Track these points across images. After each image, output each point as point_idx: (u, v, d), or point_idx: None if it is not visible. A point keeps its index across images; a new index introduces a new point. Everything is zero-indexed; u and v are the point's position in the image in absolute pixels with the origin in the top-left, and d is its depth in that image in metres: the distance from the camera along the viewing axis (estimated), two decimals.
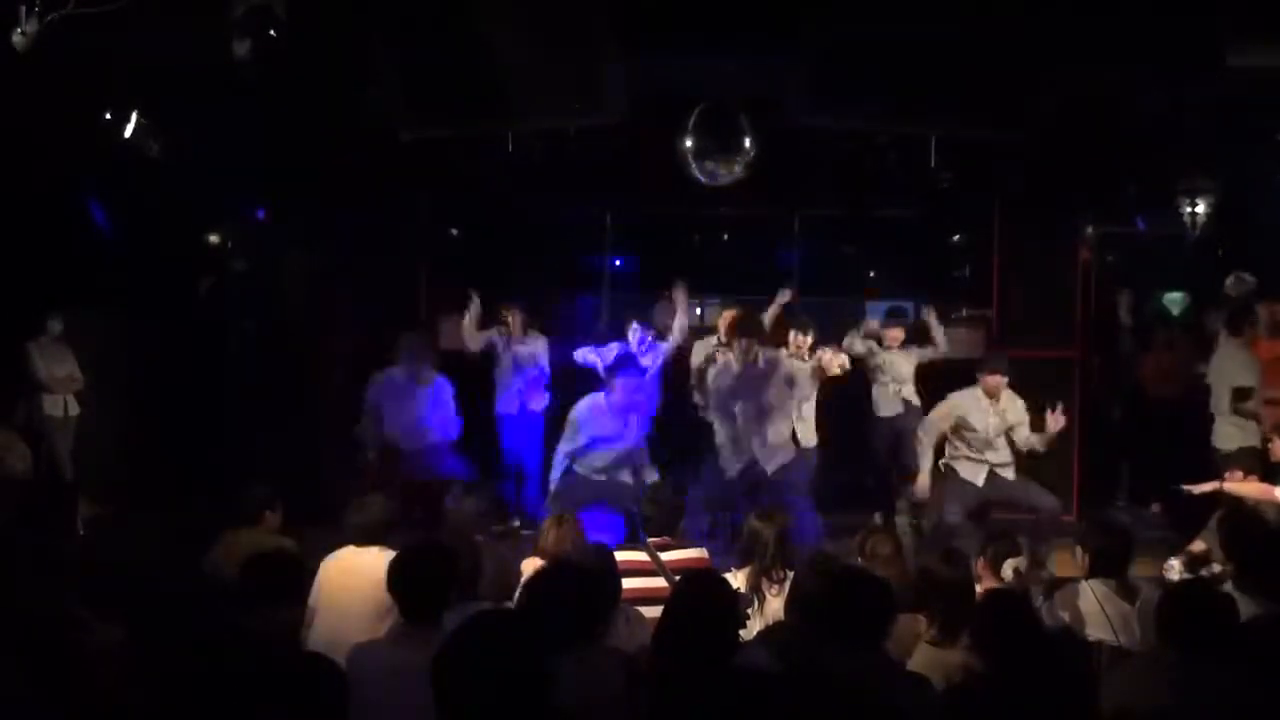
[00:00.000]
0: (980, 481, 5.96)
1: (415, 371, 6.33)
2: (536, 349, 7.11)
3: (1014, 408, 5.96)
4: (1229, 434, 6.20)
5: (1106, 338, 8.14)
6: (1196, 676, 2.82)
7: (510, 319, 7.09)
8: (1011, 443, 5.98)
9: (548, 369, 7.14)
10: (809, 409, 6.42)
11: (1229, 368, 6.29)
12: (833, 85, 5.57)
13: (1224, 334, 6.47)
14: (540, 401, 7.13)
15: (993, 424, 5.92)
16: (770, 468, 5.64)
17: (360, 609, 3.73)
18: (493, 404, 7.21)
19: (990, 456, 5.98)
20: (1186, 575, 4.75)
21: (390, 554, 3.73)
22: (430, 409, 6.35)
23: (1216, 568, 4.52)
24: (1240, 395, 6.09)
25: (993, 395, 5.91)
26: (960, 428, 5.97)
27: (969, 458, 6.02)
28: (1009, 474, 6.03)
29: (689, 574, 3.59)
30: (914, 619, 3.40)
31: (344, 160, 6.93)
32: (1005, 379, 5.90)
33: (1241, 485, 4.72)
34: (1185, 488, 4.81)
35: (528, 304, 7.26)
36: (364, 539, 4.00)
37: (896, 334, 7.22)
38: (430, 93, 5.61)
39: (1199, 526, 5.07)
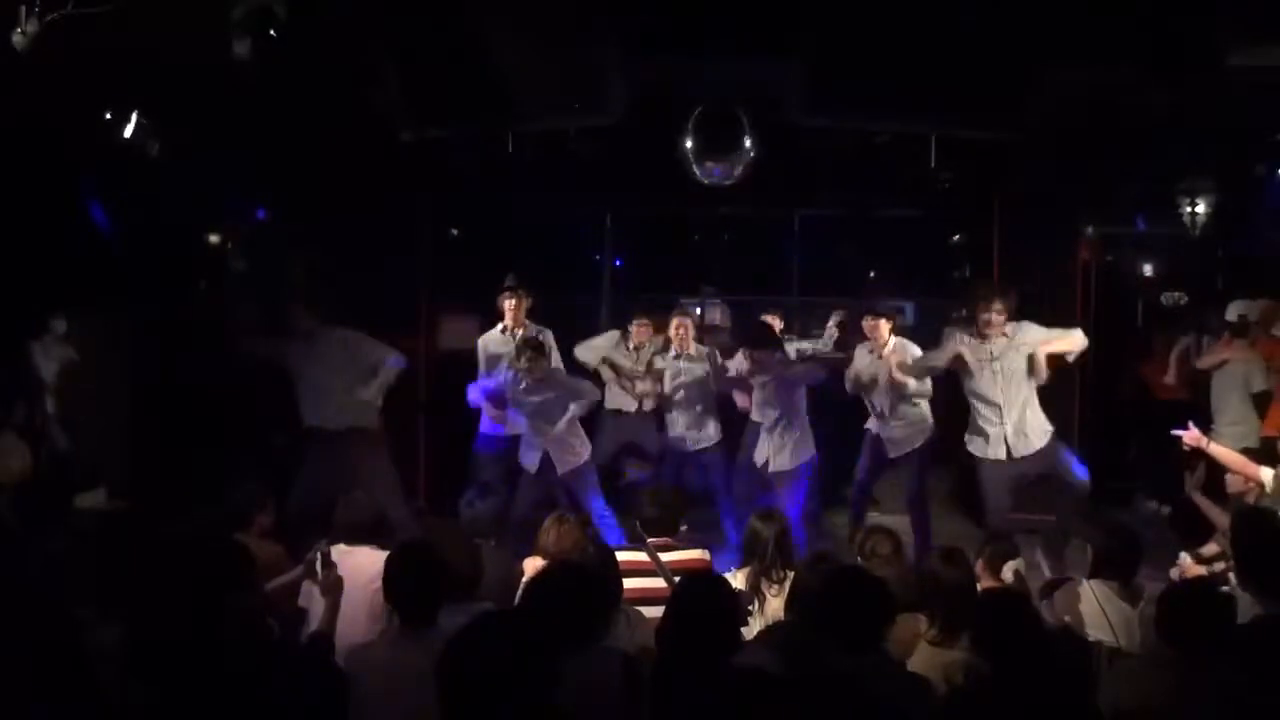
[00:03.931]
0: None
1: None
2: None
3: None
4: (1231, 434, 6.20)
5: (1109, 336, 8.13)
6: (1196, 676, 2.82)
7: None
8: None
9: None
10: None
11: (1240, 370, 6.30)
12: (833, 85, 5.58)
13: (1228, 335, 6.48)
14: None
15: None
16: None
17: (353, 609, 3.72)
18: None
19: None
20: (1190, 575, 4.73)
21: (382, 554, 3.73)
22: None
23: (1220, 566, 4.50)
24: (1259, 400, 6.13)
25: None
26: None
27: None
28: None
29: (690, 574, 3.58)
30: (914, 619, 3.40)
31: (344, 160, 6.92)
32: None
33: (1226, 453, 4.68)
34: (1175, 433, 4.79)
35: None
36: (353, 538, 3.98)
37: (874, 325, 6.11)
38: (430, 93, 5.61)
39: (1197, 526, 5.06)
